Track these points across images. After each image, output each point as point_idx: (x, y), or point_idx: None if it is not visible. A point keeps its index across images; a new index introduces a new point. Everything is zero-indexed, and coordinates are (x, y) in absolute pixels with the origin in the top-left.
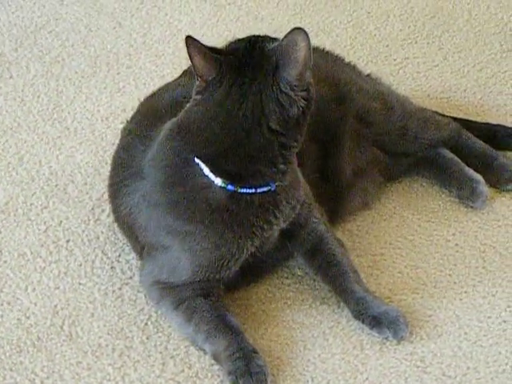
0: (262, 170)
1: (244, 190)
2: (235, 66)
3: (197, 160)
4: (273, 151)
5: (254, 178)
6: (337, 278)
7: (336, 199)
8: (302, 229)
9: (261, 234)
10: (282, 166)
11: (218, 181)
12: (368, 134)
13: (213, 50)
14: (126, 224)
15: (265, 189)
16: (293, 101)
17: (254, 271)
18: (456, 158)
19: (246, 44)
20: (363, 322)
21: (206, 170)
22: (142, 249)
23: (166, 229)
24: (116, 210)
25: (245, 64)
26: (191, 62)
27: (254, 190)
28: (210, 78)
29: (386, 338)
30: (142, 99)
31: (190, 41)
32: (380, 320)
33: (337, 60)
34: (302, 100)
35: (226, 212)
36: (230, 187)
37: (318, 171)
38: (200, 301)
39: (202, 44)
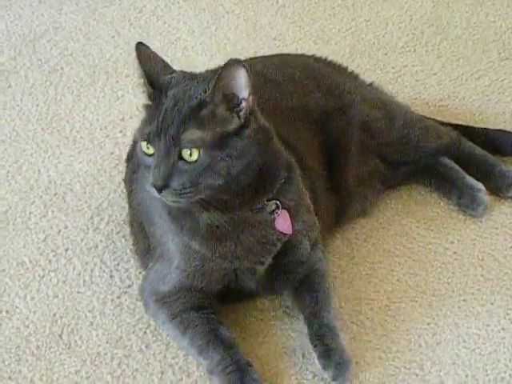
0: None
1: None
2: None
3: None
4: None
5: None
6: (312, 307)
7: (338, 208)
8: (301, 266)
9: (238, 261)
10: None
11: None
12: (372, 144)
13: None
14: (136, 222)
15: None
16: None
17: (246, 290)
18: (456, 167)
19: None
20: (315, 346)
21: None
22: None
23: (152, 232)
24: (129, 207)
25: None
26: None
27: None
28: None
29: (326, 374)
30: None
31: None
32: (330, 355)
33: (339, 69)
34: None
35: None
36: None
37: (323, 181)
38: (192, 315)
39: None
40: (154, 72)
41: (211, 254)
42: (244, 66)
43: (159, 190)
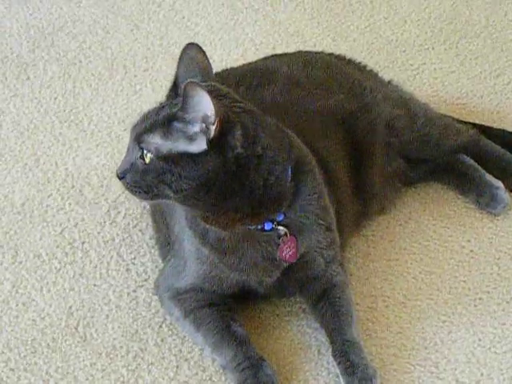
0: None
1: None
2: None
3: None
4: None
5: None
6: (334, 323)
7: (362, 208)
8: (317, 280)
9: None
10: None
11: None
12: (394, 142)
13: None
14: (158, 212)
15: None
16: None
17: (259, 294)
18: (476, 165)
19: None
20: (339, 363)
21: None
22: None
23: (172, 226)
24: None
25: None
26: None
27: None
28: None
29: None
30: None
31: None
32: (353, 372)
33: (359, 67)
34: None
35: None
36: None
37: (348, 187)
38: (206, 312)
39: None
40: (183, 76)
41: (219, 262)
42: (205, 89)
43: (119, 179)
